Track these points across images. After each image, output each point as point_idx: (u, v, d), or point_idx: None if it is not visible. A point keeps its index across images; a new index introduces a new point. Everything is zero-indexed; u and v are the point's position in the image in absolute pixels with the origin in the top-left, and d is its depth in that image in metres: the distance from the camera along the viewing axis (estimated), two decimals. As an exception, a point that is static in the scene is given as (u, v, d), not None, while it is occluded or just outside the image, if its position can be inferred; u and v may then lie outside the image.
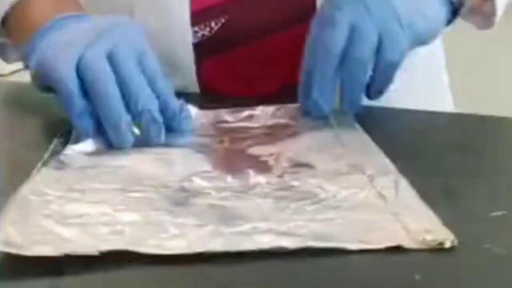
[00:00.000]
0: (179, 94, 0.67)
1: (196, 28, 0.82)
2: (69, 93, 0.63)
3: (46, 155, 0.61)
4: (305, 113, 0.71)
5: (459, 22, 0.79)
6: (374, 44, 0.68)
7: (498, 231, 0.51)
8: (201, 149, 0.63)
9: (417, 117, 0.77)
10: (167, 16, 0.82)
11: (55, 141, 0.65)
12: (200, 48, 0.83)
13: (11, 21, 0.78)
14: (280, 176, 0.57)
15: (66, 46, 0.65)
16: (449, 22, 0.77)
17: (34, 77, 0.69)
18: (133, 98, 0.63)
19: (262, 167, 0.58)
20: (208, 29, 0.82)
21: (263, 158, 0.60)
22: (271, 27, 0.82)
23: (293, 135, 0.66)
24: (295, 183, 0.55)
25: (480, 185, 0.59)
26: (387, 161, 0.60)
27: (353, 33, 0.68)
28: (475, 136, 0.72)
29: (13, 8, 0.77)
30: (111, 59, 0.64)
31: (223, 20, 0.82)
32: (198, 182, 0.55)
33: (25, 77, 0.73)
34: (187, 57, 0.83)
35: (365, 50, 0.68)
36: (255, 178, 0.56)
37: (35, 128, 0.73)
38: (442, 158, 0.64)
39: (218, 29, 0.82)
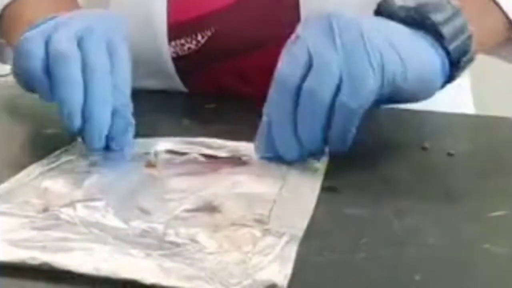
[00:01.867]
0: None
1: (182, 41, 0.81)
2: (35, 71, 0.61)
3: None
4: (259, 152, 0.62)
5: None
6: (335, 81, 0.57)
7: (498, 231, 0.51)
8: (122, 170, 0.61)
9: (414, 117, 0.77)
10: (147, 28, 0.81)
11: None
12: (187, 62, 0.82)
13: (5, 22, 0.77)
14: (163, 223, 0.51)
15: (37, 31, 0.64)
16: (449, 77, 0.65)
17: (14, 73, 0.67)
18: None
19: (157, 206, 0.54)
20: (194, 42, 0.81)
21: (169, 195, 0.55)
22: (259, 41, 0.80)
23: (232, 171, 0.60)
24: (170, 231, 0.50)
25: (480, 185, 0.59)
26: (303, 220, 0.52)
27: (311, 64, 0.58)
28: (475, 136, 0.72)
29: (7, 8, 0.76)
30: (80, 43, 0.61)
31: (209, 33, 0.80)
32: (79, 210, 0.52)
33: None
34: (169, 70, 0.83)
35: (325, 84, 0.57)
36: (133, 221, 0.51)
37: (35, 128, 0.73)
38: (442, 158, 0.64)
39: (205, 42, 0.81)
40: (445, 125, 0.74)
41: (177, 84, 0.84)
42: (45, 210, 0.52)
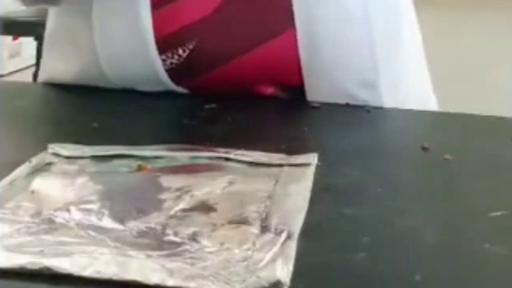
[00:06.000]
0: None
1: (163, 57, 0.80)
2: None
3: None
4: None
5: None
6: None
7: (498, 231, 0.51)
8: (113, 173, 0.59)
9: (414, 117, 0.77)
10: (136, 42, 0.79)
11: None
12: (173, 74, 0.81)
13: None
14: (160, 223, 0.50)
15: None
16: None
17: None
18: None
19: (152, 207, 0.53)
20: (176, 57, 0.80)
21: (163, 195, 0.55)
22: (242, 48, 0.80)
23: (223, 172, 0.60)
24: (168, 231, 0.49)
25: (480, 185, 0.59)
26: (299, 216, 0.52)
27: None
28: (475, 136, 0.72)
29: None
30: None
31: (191, 46, 0.79)
32: (73, 213, 0.52)
33: (25, 77, 0.72)
34: (164, 79, 0.81)
35: None
36: (129, 222, 0.50)
37: (34, 128, 0.73)
38: (442, 158, 0.64)
39: (187, 55, 0.80)
40: (445, 125, 0.74)
41: (174, 88, 0.84)
42: (38, 214, 0.51)
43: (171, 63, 0.80)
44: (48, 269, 0.44)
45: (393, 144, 0.69)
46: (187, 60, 0.80)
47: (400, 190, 0.58)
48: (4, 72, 3.73)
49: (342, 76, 0.79)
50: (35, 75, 2.99)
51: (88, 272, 0.44)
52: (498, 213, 0.53)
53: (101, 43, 0.81)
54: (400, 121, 0.76)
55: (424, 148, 0.66)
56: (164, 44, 0.80)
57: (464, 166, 0.63)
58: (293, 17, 0.78)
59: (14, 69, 3.76)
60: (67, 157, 0.62)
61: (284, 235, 0.48)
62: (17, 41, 3.72)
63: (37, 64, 3.01)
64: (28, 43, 3.28)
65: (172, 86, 0.82)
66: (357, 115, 0.74)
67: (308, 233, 0.50)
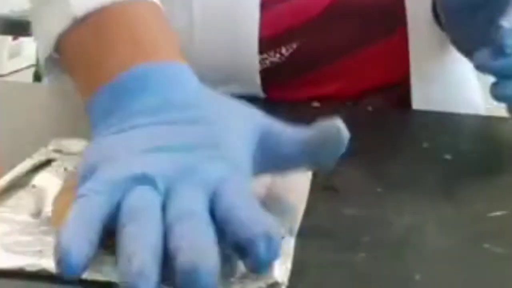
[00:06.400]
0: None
1: (265, 55, 0.79)
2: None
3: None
4: None
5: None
6: None
7: (498, 231, 0.51)
8: None
9: (414, 117, 0.77)
10: (234, 41, 0.78)
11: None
12: (269, 74, 0.80)
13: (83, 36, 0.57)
14: None
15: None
16: None
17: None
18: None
19: None
20: (278, 55, 0.80)
21: None
22: (343, 50, 0.80)
23: None
24: None
25: (480, 185, 0.59)
26: (298, 211, 0.52)
27: None
28: (475, 136, 0.72)
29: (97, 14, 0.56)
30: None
31: (294, 46, 0.79)
32: None
33: (25, 77, 0.72)
34: (254, 84, 0.80)
35: None
36: None
37: (34, 129, 0.73)
38: (442, 158, 0.64)
39: (289, 55, 0.79)
40: (445, 125, 0.74)
41: (258, 91, 0.81)
42: (38, 213, 0.51)
43: (272, 62, 0.80)
44: (46, 271, 0.44)
45: (393, 144, 0.69)
46: (289, 59, 0.80)
47: (400, 190, 0.58)
48: (4, 72, 3.74)
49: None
50: (35, 75, 2.98)
51: (87, 275, 0.44)
52: (498, 213, 0.53)
53: (199, 36, 0.79)
54: (400, 121, 0.76)
55: (424, 148, 0.66)
56: (268, 43, 0.79)
57: (464, 166, 0.63)
58: (403, 18, 0.78)
59: (14, 69, 3.77)
60: (68, 154, 0.62)
61: (282, 231, 0.48)
62: (17, 41, 3.72)
63: (37, 64, 3.01)
64: (28, 43, 3.28)
65: (259, 89, 0.81)
66: (357, 115, 0.74)
67: (308, 233, 0.50)
